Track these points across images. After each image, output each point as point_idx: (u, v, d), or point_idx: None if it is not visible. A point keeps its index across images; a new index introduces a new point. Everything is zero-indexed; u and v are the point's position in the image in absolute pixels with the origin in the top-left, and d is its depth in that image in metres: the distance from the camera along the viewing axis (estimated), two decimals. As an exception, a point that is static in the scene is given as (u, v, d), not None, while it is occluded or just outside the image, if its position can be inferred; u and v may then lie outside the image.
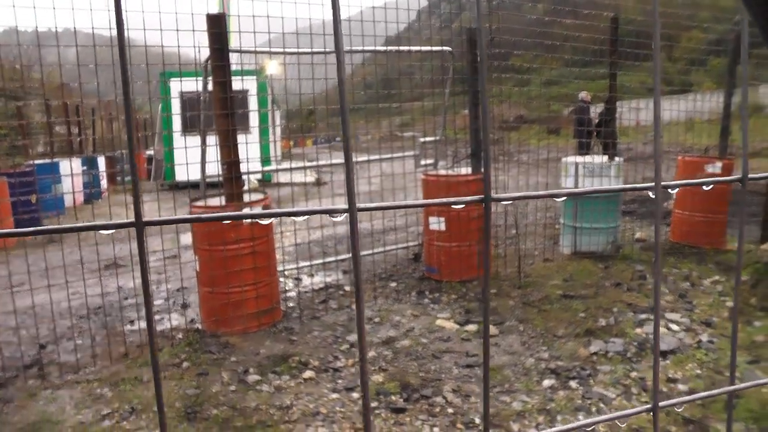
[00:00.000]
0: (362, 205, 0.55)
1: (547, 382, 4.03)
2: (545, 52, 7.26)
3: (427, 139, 6.43)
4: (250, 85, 8.51)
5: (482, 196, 0.56)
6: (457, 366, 4.33)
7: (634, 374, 4.08)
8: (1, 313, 5.04)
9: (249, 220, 4.81)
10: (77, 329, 5.35)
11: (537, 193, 0.60)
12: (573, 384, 3.99)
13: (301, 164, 6.41)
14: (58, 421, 3.82)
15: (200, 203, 5.04)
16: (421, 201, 0.57)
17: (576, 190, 0.62)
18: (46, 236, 8.57)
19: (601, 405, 3.72)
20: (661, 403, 0.67)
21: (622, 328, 4.84)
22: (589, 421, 0.64)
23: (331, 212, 0.57)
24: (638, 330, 4.79)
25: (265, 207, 5.00)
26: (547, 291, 5.83)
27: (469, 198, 0.57)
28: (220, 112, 4.57)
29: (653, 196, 0.68)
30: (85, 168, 13.04)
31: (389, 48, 5.72)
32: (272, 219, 5.30)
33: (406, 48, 5.71)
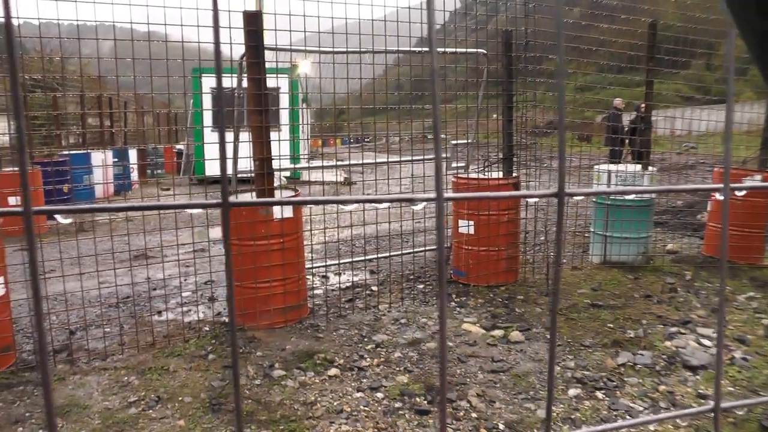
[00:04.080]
0: (450, 195, 0.54)
1: (572, 391, 3.97)
2: (579, 57, 7.17)
3: (459, 141, 6.38)
4: (282, 82, 8.54)
5: (555, 190, 0.54)
6: (482, 371, 4.29)
7: (662, 388, 4.00)
8: (33, 297, 5.12)
9: (280, 216, 4.83)
10: (106, 317, 5.42)
11: (610, 189, 0.58)
12: (599, 394, 3.92)
13: (330, 163, 6.43)
14: (85, 405, 3.88)
15: (231, 198, 5.07)
16: (496, 194, 0.55)
17: (648, 188, 0.60)
18: (78, 225, 8.73)
19: (628, 417, 3.65)
20: (723, 405, 0.65)
21: (651, 340, 4.76)
22: (650, 418, 0.62)
23: (415, 200, 0.56)
24: (668, 343, 4.69)
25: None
26: (574, 299, 5.76)
27: (542, 192, 0.55)
28: (254, 109, 4.60)
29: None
30: (116, 160, 13.27)
31: (423, 49, 5.70)
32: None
33: (440, 49, 5.68)
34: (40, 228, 8.76)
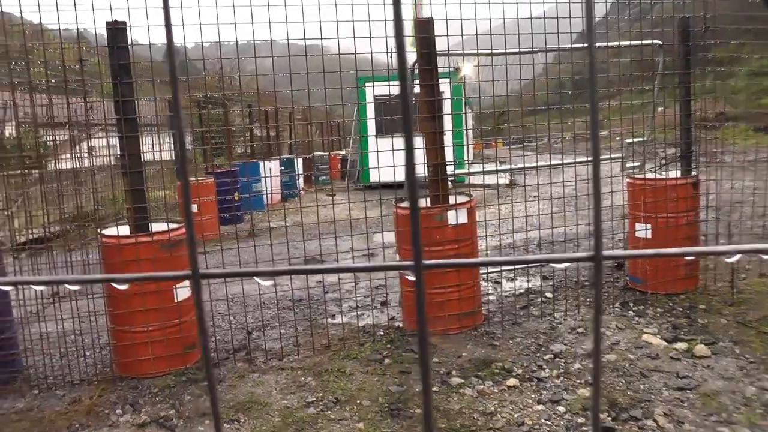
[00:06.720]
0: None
1: (773, 416, 3.58)
2: (753, 39, 6.50)
3: (635, 140, 6.00)
4: (445, 87, 8.56)
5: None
6: (667, 387, 4.00)
7: None
8: (214, 299, 5.54)
9: (455, 222, 4.83)
10: (281, 319, 5.71)
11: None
12: (805, 421, 3.49)
13: (494, 166, 6.33)
14: (265, 403, 4.09)
15: (405, 204, 5.16)
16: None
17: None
18: (248, 229, 9.34)
19: None
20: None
21: None
22: None
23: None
24: None
25: (470, 209, 4.99)
26: (766, 311, 5.19)
27: None
28: (427, 115, 4.64)
29: None
30: (282, 168, 14.04)
31: (597, 44, 5.42)
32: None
33: (614, 43, 5.39)
34: (215, 234, 9.47)
